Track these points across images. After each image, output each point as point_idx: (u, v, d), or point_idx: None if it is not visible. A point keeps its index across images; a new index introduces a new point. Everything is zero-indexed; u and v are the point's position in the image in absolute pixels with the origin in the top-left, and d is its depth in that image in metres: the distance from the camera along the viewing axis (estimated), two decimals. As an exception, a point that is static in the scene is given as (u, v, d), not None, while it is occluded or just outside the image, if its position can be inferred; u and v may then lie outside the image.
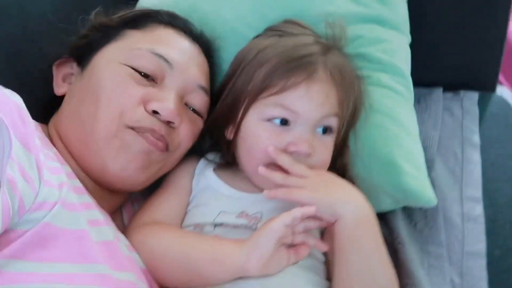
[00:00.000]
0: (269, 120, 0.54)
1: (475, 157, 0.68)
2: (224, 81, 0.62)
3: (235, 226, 0.54)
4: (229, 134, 0.59)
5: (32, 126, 0.41)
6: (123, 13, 0.62)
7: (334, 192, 0.51)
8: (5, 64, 0.63)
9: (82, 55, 0.59)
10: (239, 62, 0.58)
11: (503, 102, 0.84)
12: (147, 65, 0.55)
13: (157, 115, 0.54)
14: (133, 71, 0.54)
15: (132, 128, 0.52)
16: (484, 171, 0.67)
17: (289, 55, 0.54)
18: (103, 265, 0.43)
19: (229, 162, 0.61)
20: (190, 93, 0.58)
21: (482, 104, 0.81)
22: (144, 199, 0.61)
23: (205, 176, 0.60)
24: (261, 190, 0.57)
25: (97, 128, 0.52)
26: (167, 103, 0.53)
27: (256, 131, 0.55)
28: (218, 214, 0.55)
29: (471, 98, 0.81)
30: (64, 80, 0.61)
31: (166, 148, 0.55)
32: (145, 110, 0.53)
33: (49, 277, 0.39)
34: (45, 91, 0.62)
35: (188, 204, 0.59)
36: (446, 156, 0.69)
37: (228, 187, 0.58)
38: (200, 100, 0.60)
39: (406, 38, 0.72)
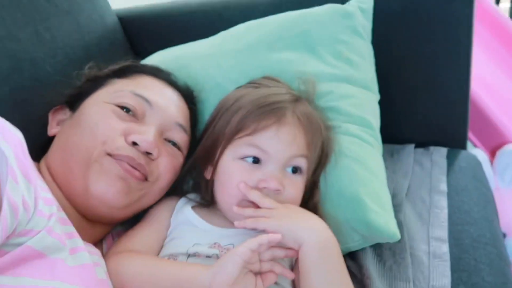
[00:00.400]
0: (242, 158, 0.60)
1: (442, 203, 0.72)
2: (205, 127, 0.69)
3: (208, 256, 0.57)
4: (208, 174, 0.65)
5: (31, 160, 0.46)
6: (112, 66, 0.71)
7: (298, 220, 0.55)
8: (13, 110, 0.72)
9: (74, 102, 0.67)
10: (219, 109, 0.66)
11: (472, 157, 0.90)
12: (129, 102, 0.62)
13: (137, 146, 0.59)
14: (116, 107, 0.61)
15: (111, 155, 0.58)
16: (450, 215, 0.71)
17: (262, 101, 0.61)
18: (64, 283, 0.45)
19: (207, 201, 0.66)
20: (169, 130, 0.65)
21: (451, 159, 0.87)
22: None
23: (183, 212, 0.64)
24: (235, 226, 0.61)
25: (80, 153, 0.58)
26: (146, 136, 0.59)
27: (231, 168, 0.60)
28: (193, 245, 0.58)
29: (440, 152, 0.87)
30: (57, 124, 0.68)
31: (145, 178, 0.60)
32: (126, 141, 0.59)
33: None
34: (40, 135, 0.69)
35: (165, 238, 0.63)
36: (414, 201, 0.74)
37: (204, 222, 0.62)
38: (179, 136, 0.66)
39: (374, 96, 0.81)
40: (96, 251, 0.56)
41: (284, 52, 0.79)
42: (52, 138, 0.67)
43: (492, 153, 1.22)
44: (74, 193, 0.58)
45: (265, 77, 0.72)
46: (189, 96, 0.73)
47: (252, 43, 0.81)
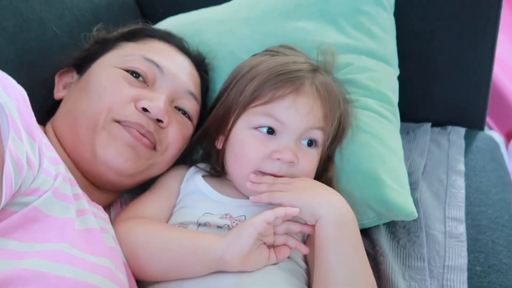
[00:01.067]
0: (257, 128, 0.58)
1: (459, 183, 0.71)
2: (218, 95, 0.67)
3: (219, 227, 0.56)
4: (219, 144, 0.63)
5: (34, 117, 0.45)
6: (122, 28, 0.68)
7: (315, 194, 0.53)
8: (19, 72, 0.70)
9: (82, 64, 0.65)
10: (233, 77, 0.64)
11: (490, 139, 0.87)
12: (139, 67, 0.60)
13: (147, 113, 0.57)
14: (126, 72, 0.59)
15: (119, 122, 0.56)
16: (468, 196, 0.69)
17: (279, 70, 0.59)
18: (72, 247, 0.44)
19: (217, 171, 0.65)
20: (180, 98, 0.63)
21: (469, 139, 0.85)
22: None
23: (194, 181, 0.63)
24: (246, 197, 0.60)
25: (87, 119, 0.56)
26: (156, 102, 0.57)
27: (244, 138, 0.58)
28: (203, 215, 0.57)
29: (458, 132, 0.85)
30: (64, 88, 0.67)
31: (153, 146, 0.59)
32: (135, 107, 0.57)
33: (26, 254, 0.41)
34: (47, 98, 0.68)
35: (174, 206, 0.62)
36: (431, 181, 0.72)
37: (215, 192, 0.61)
38: (189, 105, 0.64)
39: (394, 70, 0.78)
40: (103, 216, 0.55)
41: (301, 21, 0.76)
42: (58, 102, 0.65)
43: (508, 136, 1.20)
44: (82, 159, 0.57)
45: (282, 46, 0.69)
46: (201, 63, 0.71)
47: (268, 11, 0.78)
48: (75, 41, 0.72)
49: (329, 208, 0.51)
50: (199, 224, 0.56)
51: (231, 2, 0.85)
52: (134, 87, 0.59)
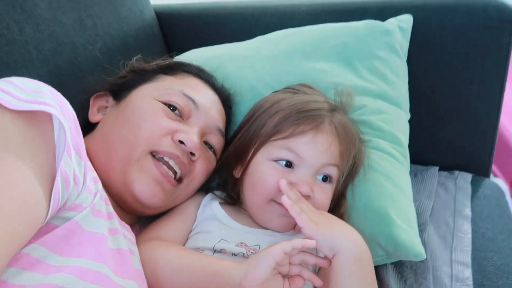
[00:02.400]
0: (276, 160, 0.61)
1: (465, 227, 0.73)
2: (239, 127, 0.71)
3: (233, 254, 0.58)
4: (237, 173, 0.66)
5: (82, 138, 0.47)
6: (159, 61, 0.73)
7: (335, 228, 0.55)
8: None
9: (119, 91, 0.68)
10: (255, 111, 0.68)
11: (496, 186, 0.90)
12: (177, 101, 0.63)
13: (182, 146, 0.61)
14: (164, 106, 0.63)
15: (156, 152, 0.59)
16: (474, 241, 0.71)
17: (301, 107, 0.62)
18: (109, 269, 0.46)
19: (233, 199, 0.67)
20: (209, 134, 0.67)
21: (475, 185, 0.88)
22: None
23: (211, 207, 0.65)
24: (260, 226, 0.62)
25: (124, 148, 0.59)
26: (192, 136, 0.61)
27: (263, 168, 0.61)
28: (219, 241, 0.59)
29: (465, 177, 0.88)
30: (98, 111, 0.70)
31: (177, 182, 0.62)
32: (172, 140, 0.60)
33: (62, 269, 0.42)
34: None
35: (190, 231, 0.64)
36: (438, 223, 0.74)
37: (231, 219, 0.63)
38: (217, 141, 0.68)
39: (405, 114, 0.82)
40: (130, 237, 0.57)
41: (320, 62, 0.81)
42: (88, 123, 0.68)
43: (512, 185, 1.22)
44: (112, 183, 0.60)
45: (302, 84, 0.73)
46: (226, 99, 0.75)
47: (289, 50, 0.83)
48: (105, 68, 0.77)
49: (349, 243, 0.52)
50: (215, 251, 0.58)
51: (253, 40, 0.90)
52: (172, 120, 0.62)
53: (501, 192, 0.89)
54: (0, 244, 0.35)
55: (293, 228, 0.62)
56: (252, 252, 0.58)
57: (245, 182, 0.65)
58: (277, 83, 0.78)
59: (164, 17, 1.05)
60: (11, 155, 0.39)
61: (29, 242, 0.41)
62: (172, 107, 0.63)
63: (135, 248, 0.56)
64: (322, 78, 0.78)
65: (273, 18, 0.97)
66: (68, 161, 0.43)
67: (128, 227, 0.58)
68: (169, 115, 0.62)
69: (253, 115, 0.68)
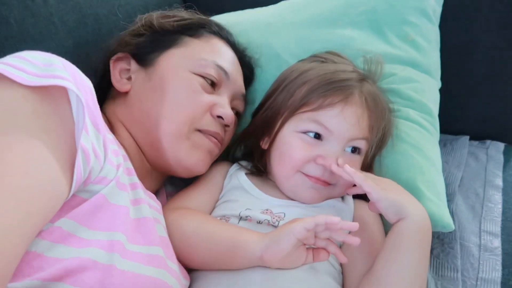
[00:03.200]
0: (304, 132, 0.61)
1: (496, 198, 0.72)
2: (265, 97, 0.70)
3: (259, 222, 0.59)
4: (264, 144, 0.67)
5: (99, 109, 0.48)
6: (178, 18, 0.70)
7: (402, 194, 0.56)
8: (76, 63, 0.75)
9: (141, 53, 0.66)
10: (282, 81, 0.67)
11: (530, 155, 0.88)
12: (213, 74, 0.65)
13: (220, 120, 0.64)
14: (201, 79, 0.64)
15: (201, 131, 0.63)
16: (504, 211, 0.71)
17: (329, 77, 0.62)
18: (134, 243, 0.48)
19: (260, 170, 0.68)
20: (236, 100, 0.70)
21: (508, 155, 0.86)
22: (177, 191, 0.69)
23: (237, 178, 0.67)
24: (286, 196, 0.63)
25: (170, 127, 0.61)
26: (228, 109, 0.64)
27: (291, 140, 0.62)
28: (245, 210, 0.61)
29: (497, 146, 0.86)
30: (120, 74, 0.67)
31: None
32: (211, 115, 0.63)
33: (91, 243, 0.44)
34: (97, 88, 0.71)
35: (217, 200, 0.66)
36: (467, 194, 0.74)
37: (257, 189, 0.64)
38: (241, 105, 0.72)
39: (436, 83, 0.80)
40: (156, 206, 0.59)
41: (347, 28, 0.79)
42: (100, 85, 0.67)
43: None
44: (156, 156, 0.63)
45: (329, 52, 0.72)
46: (246, 63, 0.76)
47: (315, 17, 0.81)
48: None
49: (416, 211, 0.54)
50: (241, 218, 0.60)
51: (277, 5, 0.88)
52: (208, 93, 0.64)
53: (534, 162, 0.87)
54: (18, 220, 0.36)
55: (322, 201, 0.63)
56: (277, 220, 0.59)
57: (273, 153, 0.65)
58: (302, 51, 0.76)
59: (185, -17, 1.03)
60: (22, 131, 0.40)
61: (59, 216, 0.42)
62: (209, 80, 0.65)
63: (160, 217, 0.58)
64: (350, 46, 0.76)
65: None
66: (86, 135, 0.43)
67: (154, 196, 0.60)
68: (206, 89, 0.64)
69: (279, 86, 0.67)
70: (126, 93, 0.66)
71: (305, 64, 0.68)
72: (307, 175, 0.61)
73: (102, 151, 0.47)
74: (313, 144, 0.60)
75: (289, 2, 0.87)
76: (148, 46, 0.66)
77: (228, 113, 0.64)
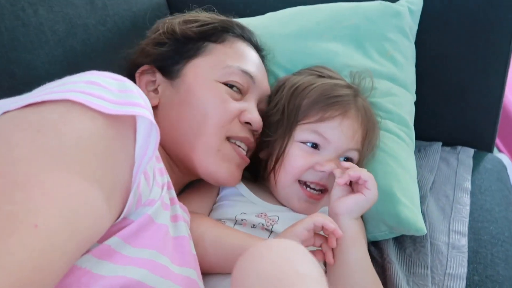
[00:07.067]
0: (303, 142, 0.68)
1: (465, 200, 0.81)
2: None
3: (253, 226, 0.66)
4: (263, 154, 0.73)
5: None
6: (200, 23, 0.70)
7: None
8: (65, 72, 0.79)
9: (166, 65, 0.68)
10: (279, 93, 0.73)
11: (498, 161, 0.97)
12: (239, 81, 0.67)
13: (248, 126, 0.68)
14: (228, 88, 0.66)
15: (230, 137, 0.66)
16: (472, 212, 0.79)
17: (329, 92, 0.69)
18: (169, 260, 0.49)
19: (256, 176, 0.75)
20: (261, 102, 0.73)
21: (477, 160, 0.95)
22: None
23: None
24: (281, 204, 0.70)
25: (203, 140, 0.64)
26: (256, 115, 0.67)
27: (291, 150, 0.69)
28: (240, 214, 0.67)
29: (467, 152, 0.95)
30: (146, 88, 0.69)
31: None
32: (239, 121, 0.66)
33: (134, 261, 0.45)
34: None
35: (214, 203, 0.72)
36: (438, 196, 0.82)
37: (252, 194, 0.72)
38: (265, 106, 0.74)
39: (412, 96, 0.89)
40: (187, 218, 0.61)
41: (332, 42, 0.86)
42: None
43: (517, 159, 1.29)
44: (189, 169, 0.67)
45: (322, 67, 0.78)
46: (262, 55, 0.79)
47: (301, 29, 0.87)
48: (116, 47, 0.82)
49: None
50: (236, 222, 0.66)
51: (263, 16, 0.93)
52: (236, 100, 0.67)
53: (503, 167, 0.96)
54: (64, 239, 0.36)
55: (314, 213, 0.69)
56: (271, 223, 0.66)
57: (271, 162, 0.71)
58: (289, 64, 0.83)
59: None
60: (87, 155, 0.39)
61: (109, 235, 0.43)
62: (235, 88, 0.67)
63: (190, 231, 0.59)
64: (334, 59, 0.83)
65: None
66: (150, 162, 0.46)
67: (185, 207, 0.62)
68: (233, 96, 0.67)
69: (281, 98, 0.72)
70: (155, 106, 0.68)
71: (303, 78, 0.74)
72: (302, 188, 0.67)
73: (152, 174, 0.49)
74: (312, 153, 0.68)
75: (276, 14, 0.93)
76: (172, 57, 0.68)
77: (256, 119, 0.67)
